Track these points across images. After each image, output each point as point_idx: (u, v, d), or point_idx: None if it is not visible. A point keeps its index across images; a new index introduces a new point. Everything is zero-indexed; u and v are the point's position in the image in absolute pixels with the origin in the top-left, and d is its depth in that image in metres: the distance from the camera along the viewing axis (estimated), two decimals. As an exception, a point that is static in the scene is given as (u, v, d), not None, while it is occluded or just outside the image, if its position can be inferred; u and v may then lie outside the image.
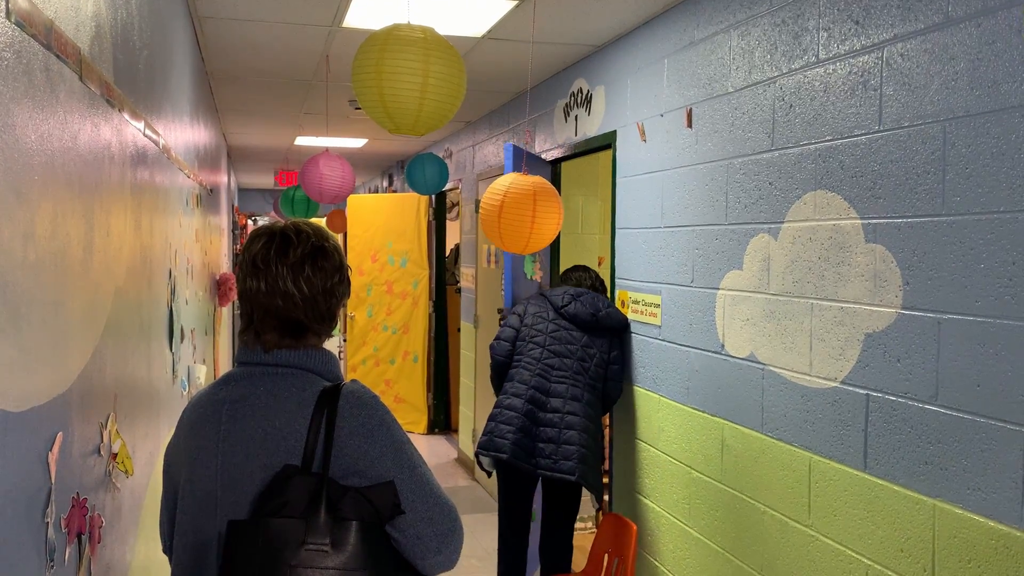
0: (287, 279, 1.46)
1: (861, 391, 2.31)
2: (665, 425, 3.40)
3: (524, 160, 3.84)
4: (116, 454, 1.55)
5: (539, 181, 3.23)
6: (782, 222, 2.64)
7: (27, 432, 0.99)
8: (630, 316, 3.72)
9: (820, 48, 2.47)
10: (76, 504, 1.22)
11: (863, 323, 2.30)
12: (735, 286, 2.90)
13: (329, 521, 1.34)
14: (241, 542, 1.34)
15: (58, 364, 1.14)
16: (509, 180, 3.19)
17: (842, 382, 2.38)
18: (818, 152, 2.48)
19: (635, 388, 3.67)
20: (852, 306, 2.34)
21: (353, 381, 1.48)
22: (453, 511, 1.46)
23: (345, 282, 1.54)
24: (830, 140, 2.42)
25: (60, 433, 1.13)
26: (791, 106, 2.60)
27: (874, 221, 2.26)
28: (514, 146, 4.05)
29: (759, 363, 2.76)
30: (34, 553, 1.02)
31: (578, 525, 5.16)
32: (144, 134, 2.01)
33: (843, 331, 2.37)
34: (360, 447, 1.40)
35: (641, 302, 3.60)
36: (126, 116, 1.72)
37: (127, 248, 1.74)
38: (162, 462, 1.55)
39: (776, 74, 2.67)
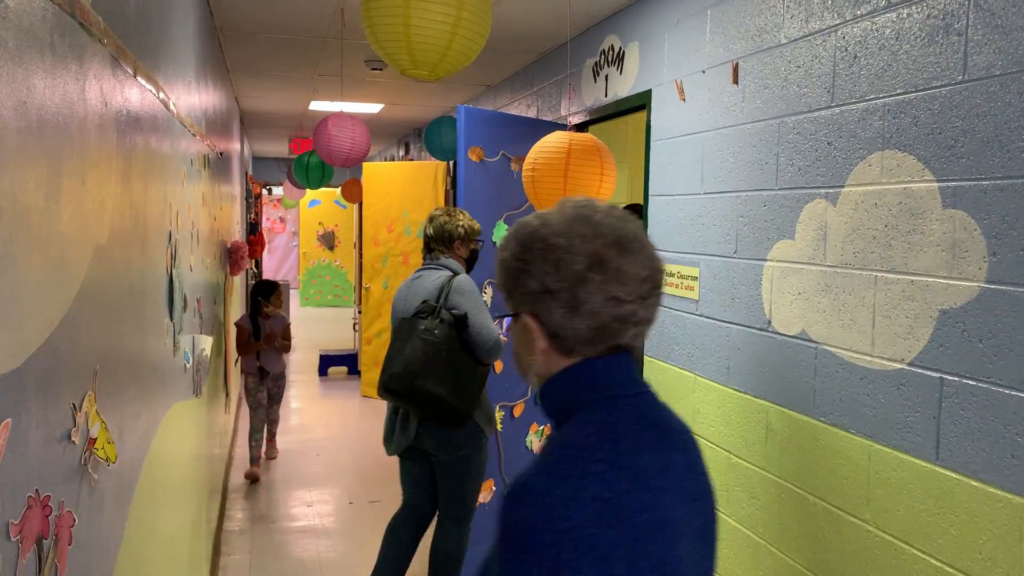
0: (428, 227, 3.43)
1: (933, 374, 2.07)
2: (701, 407, 3.18)
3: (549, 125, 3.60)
4: (95, 439, 1.34)
5: (593, 137, 3.02)
6: (842, 186, 2.39)
7: (-46, 421, 0.78)
8: (664, 289, 3.48)
9: (892, -10, 2.20)
10: (35, 504, 1.01)
11: (937, 298, 2.05)
12: (785, 257, 2.65)
13: (438, 319, 3.17)
14: (402, 325, 3.24)
15: (7, 333, 0.93)
16: (568, 135, 2.99)
17: (910, 364, 2.14)
18: (887, 107, 2.22)
19: (668, 366, 3.44)
20: (924, 279, 2.09)
21: (461, 274, 3.32)
22: (496, 332, 3.22)
23: (451, 227, 3.40)
24: (902, 94, 2.16)
25: (8, 420, 0.92)
26: (855, 57, 2.33)
27: (953, 184, 2.01)
28: (466, 108, 3.84)
29: (812, 341, 2.52)
30: (-33, 572, 0.81)
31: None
32: (127, 71, 1.79)
33: (913, 307, 2.13)
34: (456, 298, 3.22)
35: (676, 274, 3.36)
36: (109, 50, 1.50)
37: (111, 203, 1.52)
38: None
39: (838, 22, 2.41)
